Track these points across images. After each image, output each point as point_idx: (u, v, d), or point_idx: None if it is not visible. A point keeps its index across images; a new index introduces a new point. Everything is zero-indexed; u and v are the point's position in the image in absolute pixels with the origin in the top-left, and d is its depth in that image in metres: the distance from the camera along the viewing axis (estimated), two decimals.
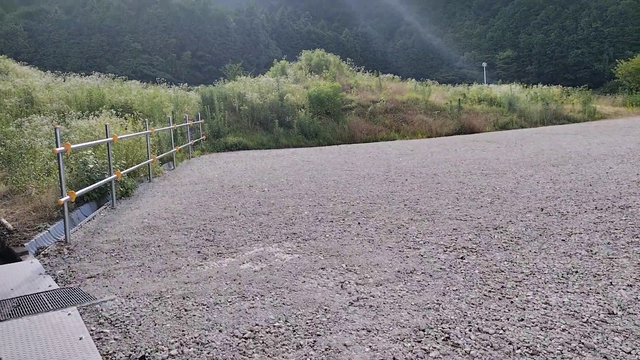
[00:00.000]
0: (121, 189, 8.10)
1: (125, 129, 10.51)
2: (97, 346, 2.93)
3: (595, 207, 5.75)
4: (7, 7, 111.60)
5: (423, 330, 2.90)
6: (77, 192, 5.98)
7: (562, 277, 3.74)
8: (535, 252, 4.37)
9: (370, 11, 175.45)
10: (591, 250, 4.32)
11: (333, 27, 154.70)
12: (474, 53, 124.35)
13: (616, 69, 47.09)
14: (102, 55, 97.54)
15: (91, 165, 7.85)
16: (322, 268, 4.29)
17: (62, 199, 5.58)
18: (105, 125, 7.29)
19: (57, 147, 5.63)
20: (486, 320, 3.00)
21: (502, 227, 5.21)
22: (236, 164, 12.21)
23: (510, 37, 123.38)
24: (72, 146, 5.89)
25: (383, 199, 7.00)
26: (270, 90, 20.83)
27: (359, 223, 5.77)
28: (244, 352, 2.74)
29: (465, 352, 2.60)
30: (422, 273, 4.01)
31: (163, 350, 2.82)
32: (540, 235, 4.85)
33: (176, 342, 2.93)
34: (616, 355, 2.48)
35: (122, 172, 7.71)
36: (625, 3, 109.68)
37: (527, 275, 3.82)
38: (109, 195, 8.10)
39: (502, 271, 3.95)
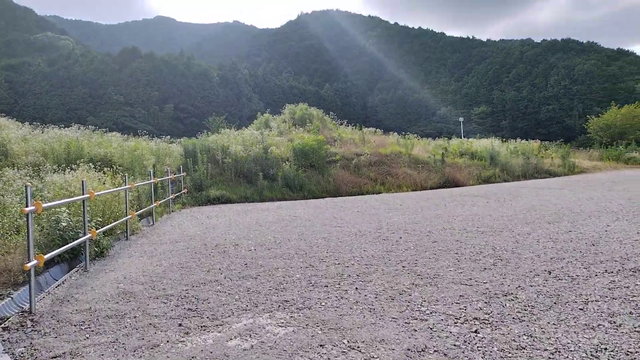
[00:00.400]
0: (96, 249, 7.51)
1: (104, 183, 10.01)
2: None
3: (605, 270, 5.46)
4: None
5: None
6: (46, 255, 5.42)
7: (591, 355, 3.35)
8: (554, 323, 3.99)
9: (353, 66, 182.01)
10: (614, 322, 3.97)
11: (314, 83, 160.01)
12: (450, 108, 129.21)
13: (588, 124, 49.04)
14: (83, 107, 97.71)
15: (64, 224, 7.30)
16: (320, 345, 3.82)
17: (29, 264, 5.02)
18: (82, 181, 6.83)
19: (26, 206, 5.14)
20: None
21: (511, 293, 4.84)
22: (219, 219, 11.71)
23: (484, 93, 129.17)
24: (44, 205, 5.40)
25: (379, 259, 6.59)
26: (255, 143, 20.70)
27: (356, 288, 5.33)
28: None
29: None
30: (435, 351, 3.57)
31: None
32: (555, 303, 4.49)
33: None
34: None
35: (97, 231, 7.16)
36: (591, 63, 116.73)
37: (553, 354, 3.42)
38: (83, 256, 7.51)
39: (524, 348, 3.54)
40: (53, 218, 7.37)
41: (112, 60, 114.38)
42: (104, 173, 10.98)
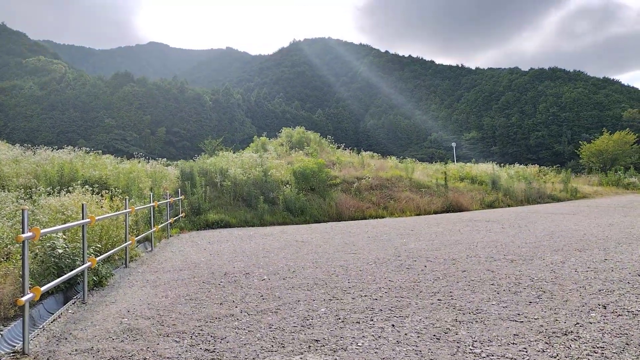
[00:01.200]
0: (94, 278, 6.86)
1: (101, 207, 9.39)
2: None
3: None
4: None
5: None
6: (43, 287, 4.80)
7: None
8: None
9: (344, 92, 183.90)
10: None
11: (307, 108, 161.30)
12: (441, 134, 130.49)
13: (580, 150, 49.38)
14: (74, 130, 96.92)
15: (60, 250, 6.66)
16: None
17: (24, 298, 4.39)
18: (82, 205, 6.25)
19: (22, 232, 4.55)
20: None
21: (572, 332, 4.31)
22: (222, 245, 11.08)
23: (474, 119, 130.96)
24: (43, 231, 4.81)
25: (409, 291, 6.04)
26: (254, 166, 20.22)
27: (393, 325, 4.75)
28: None
29: None
30: None
31: None
32: (627, 344, 3.97)
33: None
34: None
35: (97, 259, 6.53)
36: (578, 91, 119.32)
37: None
38: (79, 285, 6.86)
39: None
40: (48, 244, 6.73)
41: (104, 84, 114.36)
42: (102, 196, 10.36)
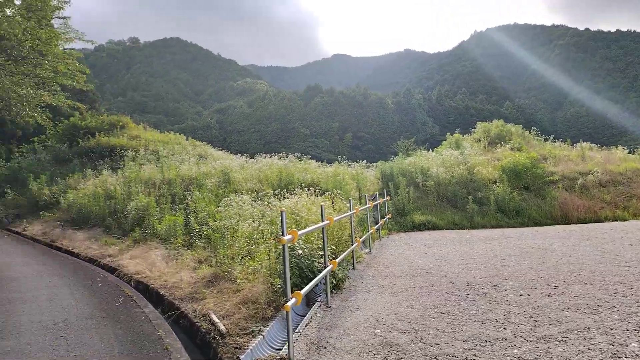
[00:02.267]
0: (332, 281, 6.71)
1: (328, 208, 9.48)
2: None
3: None
4: (205, 105, 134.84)
5: None
6: (302, 291, 4.64)
7: None
8: None
9: (536, 80, 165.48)
10: None
11: (492, 101, 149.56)
12: None
13: None
14: (276, 141, 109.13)
15: (300, 251, 6.70)
16: None
17: (289, 303, 4.24)
18: (321, 206, 6.12)
19: (282, 234, 4.43)
20: None
21: None
22: (442, 249, 10.19)
23: None
24: (300, 232, 4.67)
25: None
26: (456, 164, 18.85)
27: None
28: None
29: None
30: None
31: None
32: None
33: None
34: None
35: (336, 261, 6.33)
36: None
37: None
38: (317, 287, 6.80)
39: None
40: (289, 245, 6.85)
41: (298, 97, 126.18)
42: (327, 198, 10.58)
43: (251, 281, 6.80)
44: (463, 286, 6.52)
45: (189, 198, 12.78)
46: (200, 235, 10.27)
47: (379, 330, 4.87)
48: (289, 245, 6.92)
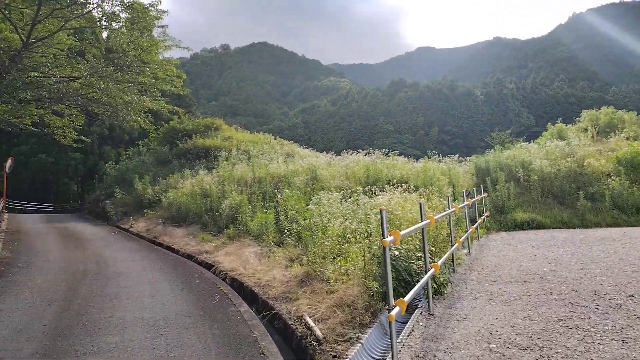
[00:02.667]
0: (434, 285, 6.16)
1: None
2: None
3: None
4: (291, 105, 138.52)
5: None
6: (405, 298, 4.20)
7: None
8: None
9: (638, 68, 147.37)
10: None
11: (595, 88, 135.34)
12: None
13: None
14: (359, 138, 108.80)
15: (397, 252, 6.24)
16: None
17: (393, 312, 3.82)
18: (420, 204, 5.60)
19: (383, 235, 4.02)
20: None
21: None
22: (554, 251, 9.10)
23: None
24: (402, 233, 4.23)
25: None
26: (562, 156, 17.03)
27: None
28: None
29: None
30: None
31: None
32: None
33: None
34: None
35: (438, 264, 5.78)
36: None
37: None
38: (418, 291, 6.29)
39: None
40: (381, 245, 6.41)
41: (381, 93, 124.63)
42: (420, 194, 9.99)
43: (344, 282, 6.49)
44: (589, 295, 5.62)
45: (279, 196, 12.86)
46: (291, 233, 10.22)
47: (494, 345, 4.27)
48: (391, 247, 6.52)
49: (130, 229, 16.18)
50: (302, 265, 8.10)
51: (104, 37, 21.26)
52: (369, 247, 6.65)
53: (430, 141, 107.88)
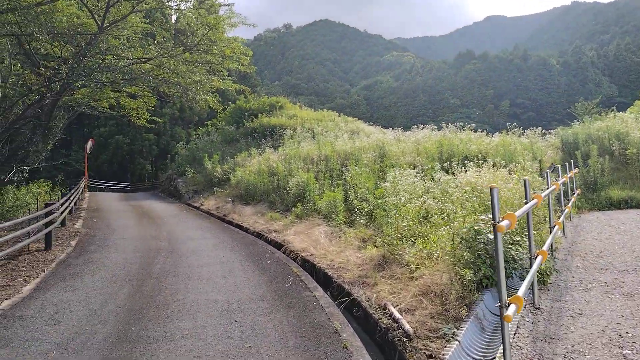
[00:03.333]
0: (538, 275, 5.38)
1: (506, 183, 7.98)
2: None
3: None
4: (352, 82, 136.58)
5: None
6: (519, 292, 3.52)
7: None
8: None
9: None
10: None
11: None
12: None
13: None
14: (424, 114, 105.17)
15: (490, 236, 5.49)
16: None
17: (509, 312, 3.16)
18: (524, 180, 4.81)
19: (494, 218, 3.34)
20: None
21: None
22: None
23: None
24: (517, 213, 3.53)
25: None
26: None
27: None
28: None
29: None
30: None
31: None
32: None
33: None
34: None
35: (545, 250, 4.98)
36: None
37: None
38: (511, 279, 5.54)
39: None
40: (475, 227, 5.69)
41: (448, 66, 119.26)
42: (510, 171, 9.05)
43: (427, 267, 5.86)
44: None
45: (347, 174, 12.35)
46: (361, 212, 9.70)
47: (628, 352, 3.50)
48: (476, 228, 5.79)
49: (201, 207, 16.45)
50: (377, 247, 7.57)
51: (172, 20, 21.61)
52: (459, 229, 5.95)
53: (500, 115, 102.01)
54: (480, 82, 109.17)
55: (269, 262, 7.79)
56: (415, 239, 7.04)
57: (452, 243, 5.69)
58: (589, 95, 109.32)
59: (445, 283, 5.03)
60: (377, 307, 5.09)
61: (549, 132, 18.02)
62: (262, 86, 63.96)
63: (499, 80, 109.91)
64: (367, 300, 5.35)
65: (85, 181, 26.01)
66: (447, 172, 10.67)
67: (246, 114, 26.26)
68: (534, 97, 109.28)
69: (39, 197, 14.71)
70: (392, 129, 20.80)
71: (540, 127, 17.41)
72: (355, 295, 5.58)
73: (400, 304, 5.00)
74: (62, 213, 10.82)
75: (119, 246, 9.18)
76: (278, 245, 9.32)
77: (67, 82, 14.56)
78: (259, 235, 10.76)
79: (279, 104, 27.76)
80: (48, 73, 14.58)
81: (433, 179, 9.64)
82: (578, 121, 18.96)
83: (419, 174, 10.39)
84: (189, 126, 39.15)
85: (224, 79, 18.56)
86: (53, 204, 9.35)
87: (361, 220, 9.39)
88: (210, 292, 5.84)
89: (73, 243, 9.33)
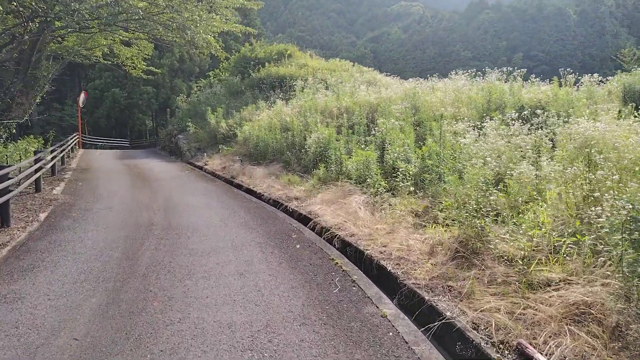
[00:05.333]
0: None
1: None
2: None
3: None
4: (358, 34, 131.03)
5: None
6: None
7: None
8: None
9: None
10: None
11: None
12: None
13: None
14: (433, 67, 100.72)
15: None
16: None
17: None
18: None
19: None
20: None
21: None
22: None
23: None
24: None
25: None
26: None
27: None
28: None
29: None
30: None
31: None
32: None
33: None
34: None
35: None
36: None
37: None
38: None
39: None
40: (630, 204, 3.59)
41: (459, 17, 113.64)
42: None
43: (553, 265, 3.83)
44: None
45: (377, 129, 10.15)
46: (405, 176, 7.61)
47: None
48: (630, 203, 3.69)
49: (205, 167, 14.41)
50: (446, 225, 5.56)
51: None
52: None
53: (512, 68, 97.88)
54: (493, 33, 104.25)
55: (298, 246, 5.78)
56: (501, 217, 5.02)
57: (621, 235, 3.55)
58: (605, 48, 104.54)
59: (611, 304, 3.00)
60: (499, 344, 3.08)
61: (606, 79, 15.59)
62: (266, 37, 60.33)
63: (513, 31, 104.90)
64: (474, 328, 3.34)
65: (78, 137, 23.87)
66: (507, 126, 8.50)
67: (252, 63, 23.63)
68: (548, 50, 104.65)
69: (27, 155, 12.65)
70: (416, 79, 18.42)
71: (597, 74, 15.00)
72: (448, 315, 3.57)
73: (537, 338, 3.00)
74: (29, 177, 8.76)
75: (101, 220, 7.16)
76: (304, 220, 7.32)
77: (46, 20, 12.34)
78: (276, 203, 8.74)
79: (288, 52, 25.04)
80: (27, 13, 12.32)
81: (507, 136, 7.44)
82: (621, 70, 16.48)
83: (472, 128, 8.19)
84: (190, 78, 36.50)
85: (228, 20, 16.03)
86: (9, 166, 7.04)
87: (409, 187, 7.32)
88: (222, 306, 3.84)
89: (42, 216, 7.30)
